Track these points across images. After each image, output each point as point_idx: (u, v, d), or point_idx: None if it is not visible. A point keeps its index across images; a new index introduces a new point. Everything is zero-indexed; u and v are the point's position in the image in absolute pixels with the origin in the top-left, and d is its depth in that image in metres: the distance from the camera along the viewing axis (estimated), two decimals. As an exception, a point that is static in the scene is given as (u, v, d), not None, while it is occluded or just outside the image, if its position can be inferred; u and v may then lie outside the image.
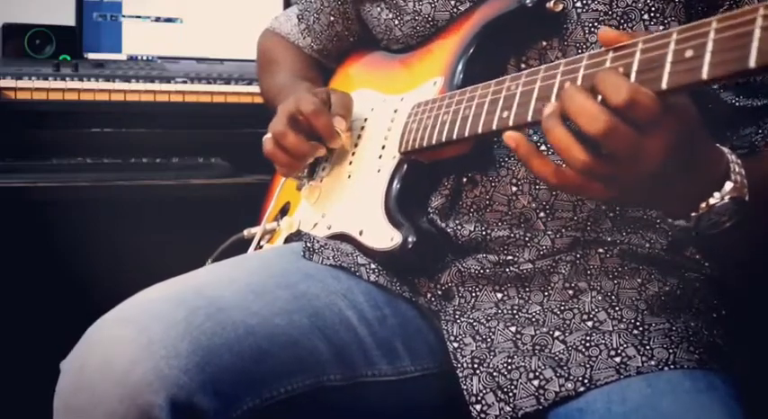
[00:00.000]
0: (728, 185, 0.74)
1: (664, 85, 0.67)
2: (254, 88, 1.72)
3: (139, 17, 1.91)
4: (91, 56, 1.86)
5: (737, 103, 0.94)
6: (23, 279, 1.69)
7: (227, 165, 1.67)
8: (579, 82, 0.74)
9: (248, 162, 1.63)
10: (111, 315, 0.84)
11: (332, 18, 1.24)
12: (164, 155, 1.66)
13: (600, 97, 0.70)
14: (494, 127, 0.83)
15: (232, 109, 1.72)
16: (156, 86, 1.67)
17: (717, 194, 0.74)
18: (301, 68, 1.29)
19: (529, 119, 0.79)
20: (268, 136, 1.06)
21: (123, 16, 1.90)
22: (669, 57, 0.67)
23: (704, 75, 0.64)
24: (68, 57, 1.82)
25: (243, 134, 1.71)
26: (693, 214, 0.75)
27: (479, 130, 0.85)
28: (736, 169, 0.75)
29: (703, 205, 0.74)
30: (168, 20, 1.93)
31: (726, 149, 0.77)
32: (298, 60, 1.30)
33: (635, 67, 0.69)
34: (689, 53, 0.65)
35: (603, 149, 0.70)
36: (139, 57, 1.91)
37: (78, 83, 1.63)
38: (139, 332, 0.80)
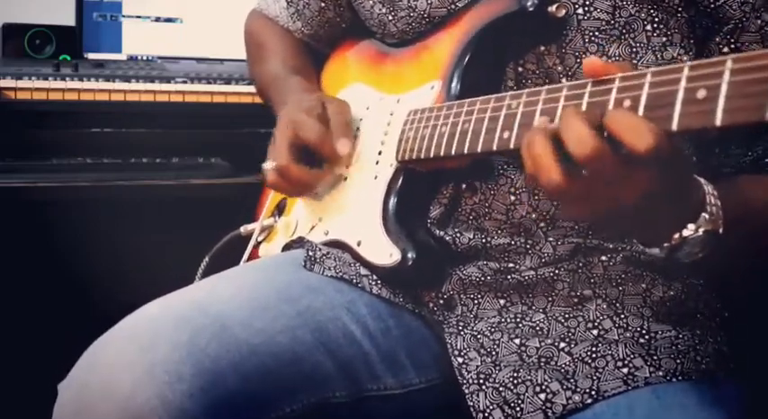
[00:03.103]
0: (704, 216, 0.72)
1: (674, 127, 0.64)
2: (254, 88, 1.72)
3: (139, 17, 1.91)
4: (91, 56, 1.86)
5: None
6: (23, 279, 1.69)
7: (227, 165, 1.67)
8: (584, 109, 0.71)
9: (248, 162, 1.63)
10: (111, 334, 0.83)
11: (323, 4, 1.20)
12: (164, 155, 1.66)
13: (606, 133, 0.67)
14: (494, 147, 0.81)
15: (232, 109, 1.72)
16: (156, 86, 1.67)
17: (691, 226, 0.72)
18: (292, 56, 1.25)
19: None
20: (270, 166, 1.03)
21: (123, 16, 1.89)
22: (680, 95, 0.64)
23: (718, 122, 0.61)
24: (68, 58, 1.81)
25: (243, 134, 1.71)
26: (666, 244, 0.73)
27: (479, 149, 0.83)
28: (712, 201, 0.73)
29: (677, 236, 0.73)
30: (168, 20, 1.92)
31: (702, 180, 0.75)
32: (288, 47, 1.26)
33: (643, 102, 0.67)
34: (701, 93, 0.62)
35: (585, 171, 0.68)
36: (139, 57, 1.90)
37: (78, 83, 1.62)
38: (142, 354, 0.79)
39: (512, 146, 0.79)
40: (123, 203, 1.65)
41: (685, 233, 0.72)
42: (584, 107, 0.72)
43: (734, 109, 0.60)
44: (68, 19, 1.86)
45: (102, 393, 0.78)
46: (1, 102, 1.56)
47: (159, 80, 1.69)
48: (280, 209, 1.19)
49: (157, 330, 0.82)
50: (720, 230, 0.73)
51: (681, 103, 0.64)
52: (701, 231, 0.72)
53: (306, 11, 1.23)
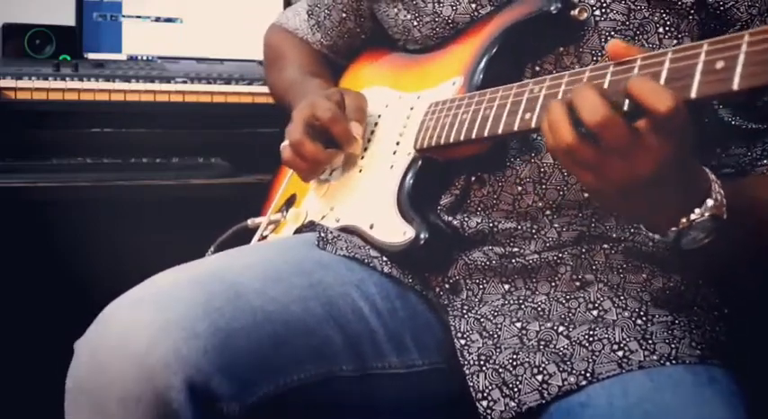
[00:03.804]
0: (709, 202, 0.76)
1: (693, 94, 0.67)
2: (254, 88, 1.72)
3: (139, 17, 1.91)
4: (91, 56, 1.86)
5: (733, 122, 0.95)
6: (23, 279, 1.69)
7: (227, 165, 1.67)
8: (606, 87, 0.74)
9: (248, 162, 1.63)
10: (127, 296, 0.84)
11: (344, 14, 1.23)
12: (164, 155, 1.66)
13: (626, 102, 0.70)
14: (515, 128, 0.83)
15: (232, 109, 1.72)
16: (156, 86, 1.67)
17: (698, 210, 0.76)
18: (310, 63, 1.28)
19: None
20: (285, 144, 1.06)
21: (123, 16, 1.90)
22: (699, 67, 0.67)
23: (735, 86, 0.64)
24: (68, 58, 1.82)
25: (243, 134, 1.71)
26: (674, 229, 0.76)
27: (500, 131, 0.85)
28: (716, 188, 0.77)
29: (684, 220, 0.76)
30: (168, 20, 1.92)
31: (708, 170, 0.78)
32: (306, 55, 1.29)
33: (664, 75, 0.70)
34: (720, 64, 0.65)
35: (599, 141, 0.72)
36: (139, 57, 1.90)
37: (78, 83, 1.63)
38: (158, 312, 0.80)
39: (533, 125, 0.81)
40: (123, 203, 1.65)
41: (692, 216, 0.76)
42: (606, 85, 0.74)
43: (750, 74, 0.63)
44: (68, 19, 1.87)
45: (118, 350, 0.78)
46: (1, 102, 1.56)
47: (159, 80, 1.69)
48: (288, 206, 1.20)
49: (173, 291, 0.83)
50: (724, 216, 0.76)
51: (700, 74, 0.67)
52: (707, 215, 0.75)
53: (326, 21, 1.26)
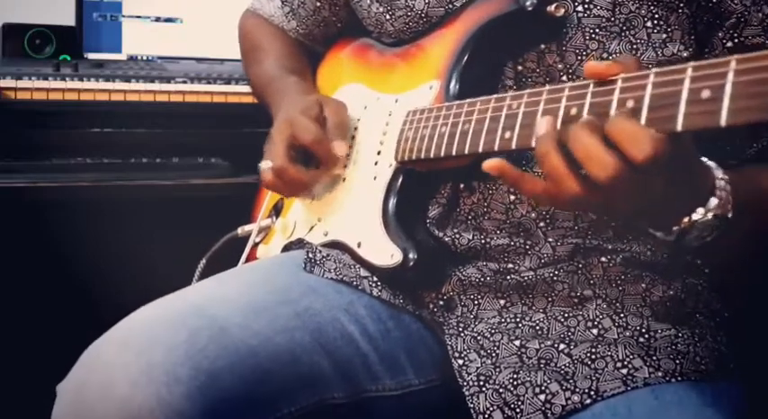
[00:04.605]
0: (713, 201, 0.73)
1: (678, 127, 0.64)
2: (250, 88, 1.72)
3: (139, 17, 1.90)
4: (91, 56, 1.86)
5: None
6: (23, 279, 1.69)
7: (227, 165, 1.67)
8: (585, 111, 0.72)
9: (248, 162, 1.62)
10: (109, 336, 0.83)
11: (318, 3, 1.20)
12: (164, 155, 1.66)
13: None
14: (495, 147, 0.81)
15: (232, 109, 1.72)
16: (156, 86, 1.67)
17: (701, 210, 0.73)
18: (287, 55, 1.25)
19: (533, 144, 0.75)
20: (267, 167, 1.03)
21: (123, 16, 1.89)
22: (684, 96, 0.64)
23: (723, 122, 0.61)
24: (68, 58, 1.81)
25: (243, 134, 1.71)
26: (675, 228, 0.74)
27: (480, 150, 0.83)
28: (722, 185, 0.74)
29: (686, 220, 0.73)
30: (168, 20, 1.92)
31: (713, 164, 0.75)
32: (283, 47, 1.26)
33: (647, 102, 0.67)
34: (705, 94, 0.62)
35: (601, 186, 0.69)
36: (139, 57, 1.90)
37: (78, 83, 1.62)
38: (139, 355, 0.79)
39: (513, 146, 0.79)
40: (123, 203, 1.65)
41: (695, 217, 0.73)
42: (586, 107, 0.72)
43: (738, 109, 0.60)
44: (68, 19, 1.86)
45: (100, 395, 0.78)
46: (1, 102, 1.56)
47: (159, 80, 1.68)
48: (277, 210, 1.19)
49: (154, 331, 0.82)
50: (729, 215, 0.74)
51: (685, 104, 0.64)
52: (709, 215, 0.73)
53: (301, 10, 1.23)
